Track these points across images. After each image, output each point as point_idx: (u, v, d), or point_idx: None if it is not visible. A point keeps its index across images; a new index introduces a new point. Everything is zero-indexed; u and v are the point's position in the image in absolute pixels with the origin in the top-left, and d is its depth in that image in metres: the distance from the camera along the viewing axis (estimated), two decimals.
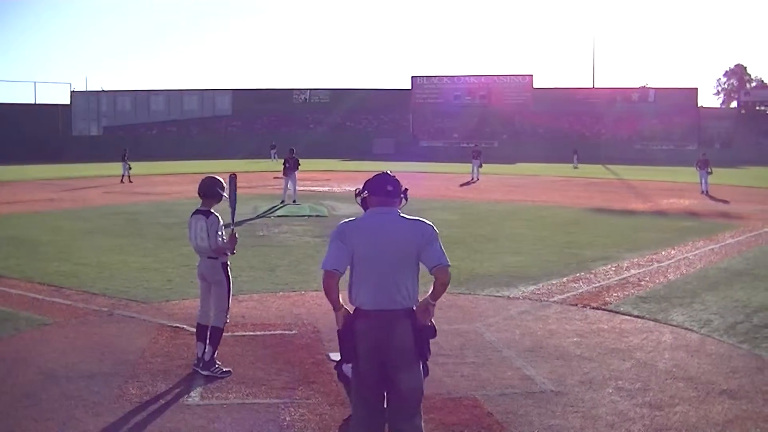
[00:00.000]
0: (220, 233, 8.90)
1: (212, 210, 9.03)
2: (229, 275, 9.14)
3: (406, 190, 5.95)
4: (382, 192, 5.80)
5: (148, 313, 11.72)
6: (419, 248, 5.62)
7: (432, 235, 5.67)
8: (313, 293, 12.73)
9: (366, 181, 5.92)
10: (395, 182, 5.86)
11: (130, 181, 43.78)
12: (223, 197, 9.16)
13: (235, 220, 9.21)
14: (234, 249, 9.04)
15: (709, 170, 37.76)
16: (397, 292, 5.58)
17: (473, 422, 7.43)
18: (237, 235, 9.02)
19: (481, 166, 48.04)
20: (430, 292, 5.70)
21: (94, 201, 32.06)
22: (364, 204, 5.89)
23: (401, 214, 5.80)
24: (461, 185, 41.74)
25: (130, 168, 44.90)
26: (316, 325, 10.99)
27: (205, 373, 8.78)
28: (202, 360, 8.93)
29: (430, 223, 5.75)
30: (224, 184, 9.18)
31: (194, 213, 9.15)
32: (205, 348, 8.98)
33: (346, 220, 5.87)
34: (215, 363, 8.89)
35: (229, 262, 9.18)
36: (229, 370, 8.88)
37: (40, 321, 11.22)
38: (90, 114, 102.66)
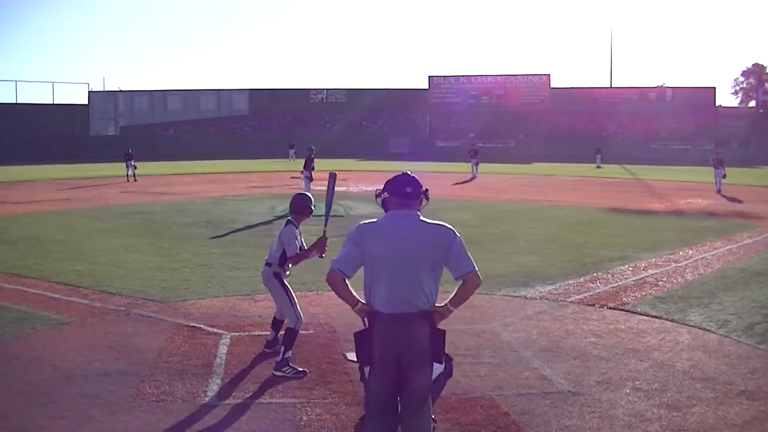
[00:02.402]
0: (298, 242, 9.15)
1: (298, 224, 9.29)
2: (283, 282, 9.28)
3: (427, 190, 5.87)
4: (401, 193, 5.72)
5: (164, 313, 11.74)
6: (440, 254, 5.57)
7: (454, 242, 5.59)
8: (330, 293, 12.54)
9: (386, 182, 5.85)
10: (415, 183, 5.77)
11: (135, 180, 44.50)
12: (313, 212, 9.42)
13: (326, 225, 9.02)
14: (323, 253, 8.93)
15: (723, 172, 37.56)
16: (414, 295, 5.52)
17: (490, 422, 7.42)
18: (327, 237, 8.87)
19: (477, 164, 50.34)
20: (451, 297, 5.66)
21: (110, 201, 32.20)
22: (385, 205, 5.82)
23: (421, 217, 5.73)
24: (458, 183, 41.45)
25: (135, 168, 45.77)
26: (332, 324, 11.00)
27: (277, 374, 8.82)
28: (274, 351, 9.31)
29: (451, 227, 5.67)
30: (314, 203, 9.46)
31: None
32: (276, 334, 9.52)
33: (365, 221, 5.83)
34: (288, 364, 8.90)
35: (287, 273, 9.39)
36: (305, 371, 8.88)
37: (57, 320, 11.27)
38: (107, 114, 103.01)
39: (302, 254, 9.12)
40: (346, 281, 5.65)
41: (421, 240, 5.59)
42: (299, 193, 9.66)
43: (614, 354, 9.63)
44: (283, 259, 9.15)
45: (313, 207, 9.36)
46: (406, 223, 5.66)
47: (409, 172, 5.89)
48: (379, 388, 5.73)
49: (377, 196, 5.90)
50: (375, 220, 5.82)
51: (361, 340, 5.70)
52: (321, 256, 8.90)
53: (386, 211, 5.81)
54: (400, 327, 5.51)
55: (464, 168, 49.64)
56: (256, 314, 11.63)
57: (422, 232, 5.63)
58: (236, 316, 11.61)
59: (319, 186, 35.34)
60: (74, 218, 25.19)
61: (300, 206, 9.31)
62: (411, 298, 5.52)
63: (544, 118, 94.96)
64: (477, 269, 5.63)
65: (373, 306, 5.63)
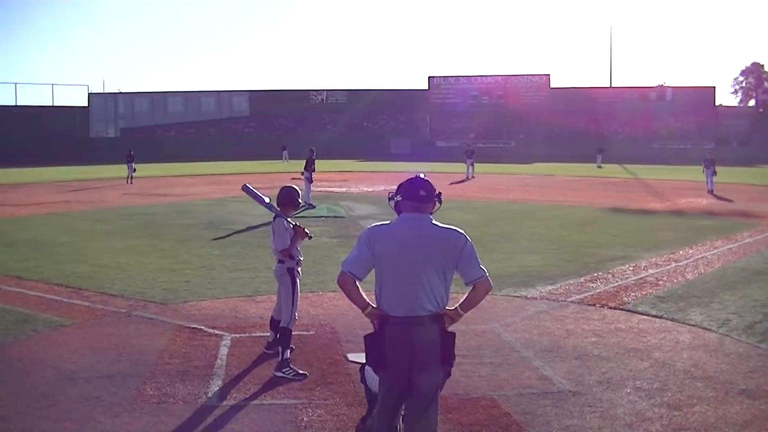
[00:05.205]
0: (288, 233, 9.22)
1: (286, 216, 9.40)
2: (295, 280, 9.33)
3: (440, 194, 5.85)
4: (414, 197, 5.69)
5: (166, 315, 11.75)
6: (451, 258, 5.55)
7: (466, 247, 5.57)
8: (331, 294, 12.71)
9: (399, 185, 5.81)
10: (428, 186, 5.75)
11: (131, 182, 44.56)
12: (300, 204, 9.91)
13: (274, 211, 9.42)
14: (304, 237, 9.32)
15: (714, 171, 37.63)
16: (426, 299, 5.50)
17: (491, 422, 7.42)
18: (297, 225, 9.29)
19: (473, 164, 50.44)
20: (462, 302, 5.64)
21: (111, 202, 32.22)
22: (398, 208, 5.78)
23: (433, 221, 5.71)
24: (453, 183, 41.51)
25: (134, 170, 45.88)
26: (333, 325, 11.01)
27: (278, 374, 8.82)
28: (275, 352, 9.22)
29: (463, 232, 5.64)
30: (300, 193, 9.85)
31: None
32: (276, 335, 9.41)
33: (376, 224, 5.82)
34: (288, 365, 8.91)
35: (299, 269, 9.47)
36: (305, 374, 8.86)
37: (58, 322, 11.27)
38: (107, 116, 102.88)
39: (291, 245, 9.21)
40: (357, 284, 5.62)
41: (433, 244, 5.56)
42: (286, 186, 9.79)
43: (615, 353, 9.64)
44: (285, 253, 9.18)
45: (299, 200, 9.72)
46: (418, 227, 5.64)
47: (422, 175, 5.86)
48: (389, 390, 5.72)
49: (390, 198, 5.86)
50: (387, 222, 5.80)
51: (372, 343, 5.68)
52: (309, 237, 9.43)
53: (399, 213, 5.78)
54: (411, 330, 5.48)
55: (463, 168, 49.60)
56: (257, 315, 11.63)
57: (434, 236, 5.61)
58: (237, 317, 11.62)
59: (320, 187, 35.50)
60: (75, 220, 25.22)
61: (287, 198, 9.53)
62: (421, 302, 5.50)
63: (544, 118, 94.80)
64: (488, 274, 5.62)
65: (383, 309, 5.61)
